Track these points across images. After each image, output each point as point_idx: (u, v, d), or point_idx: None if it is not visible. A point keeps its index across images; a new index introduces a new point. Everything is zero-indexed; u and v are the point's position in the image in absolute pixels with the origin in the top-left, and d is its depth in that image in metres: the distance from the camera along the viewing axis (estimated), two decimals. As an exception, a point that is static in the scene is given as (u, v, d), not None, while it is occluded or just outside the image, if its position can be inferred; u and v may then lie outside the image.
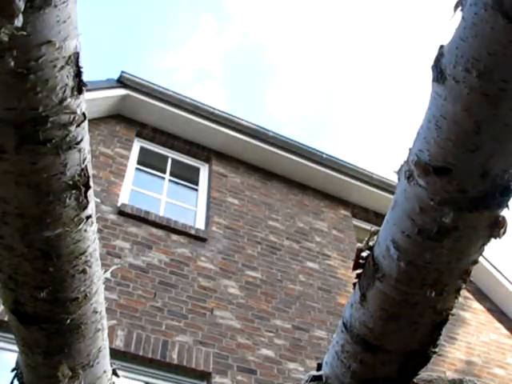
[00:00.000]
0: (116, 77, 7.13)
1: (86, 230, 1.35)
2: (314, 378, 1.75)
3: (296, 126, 27.28)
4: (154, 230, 6.14)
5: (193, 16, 24.35)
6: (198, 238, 6.34)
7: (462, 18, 1.01)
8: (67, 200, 1.23)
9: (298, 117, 26.81)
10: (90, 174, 1.27)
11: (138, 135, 7.23)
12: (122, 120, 7.13)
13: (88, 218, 1.33)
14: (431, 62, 1.12)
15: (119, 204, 6.16)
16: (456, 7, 1.02)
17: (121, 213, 6.06)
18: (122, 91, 7.07)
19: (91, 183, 1.28)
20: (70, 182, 1.22)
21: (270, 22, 24.50)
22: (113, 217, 5.98)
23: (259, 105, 26.45)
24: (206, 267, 6.13)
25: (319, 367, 1.80)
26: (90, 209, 1.33)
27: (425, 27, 28.80)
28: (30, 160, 1.13)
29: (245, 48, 25.72)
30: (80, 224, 1.31)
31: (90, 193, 1.29)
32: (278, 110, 26.91)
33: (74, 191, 1.24)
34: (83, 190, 1.25)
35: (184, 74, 26.70)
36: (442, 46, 1.10)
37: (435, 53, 1.12)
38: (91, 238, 1.39)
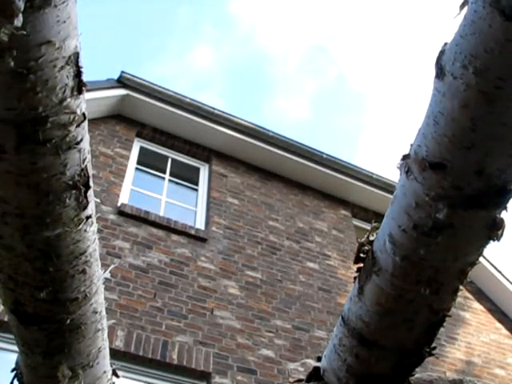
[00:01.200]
0: (116, 77, 7.13)
1: (85, 230, 1.35)
2: (314, 370, 1.77)
3: (296, 131, 27.29)
4: (154, 230, 6.14)
5: (193, 25, 24.35)
6: (198, 238, 6.34)
7: (464, 15, 1.02)
8: (67, 200, 1.23)
9: (298, 123, 26.80)
10: (90, 174, 1.27)
11: (138, 135, 7.23)
12: (121, 120, 7.13)
13: (88, 218, 1.33)
14: (434, 59, 1.13)
15: (119, 204, 6.16)
16: (462, 6, 1.02)
17: (121, 213, 6.05)
18: (121, 91, 7.07)
19: (91, 183, 1.28)
20: (70, 182, 1.22)
21: (271, 29, 24.50)
22: (113, 217, 5.98)
23: (259, 112, 26.45)
24: (205, 267, 6.12)
25: (319, 360, 1.81)
26: (90, 209, 1.33)
27: (428, 28, 28.81)
28: (30, 160, 1.13)
29: (245, 57, 25.72)
30: (80, 224, 1.31)
31: (90, 193, 1.29)
32: (277, 116, 26.90)
33: (73, 191, 1.23)
34: (83, 190, 1.25)
35: (183, 83, 26.71)
36: (445, 44, 1.10)
37: (438, 50, 1.12)
38: (91, 238, 1.39)
